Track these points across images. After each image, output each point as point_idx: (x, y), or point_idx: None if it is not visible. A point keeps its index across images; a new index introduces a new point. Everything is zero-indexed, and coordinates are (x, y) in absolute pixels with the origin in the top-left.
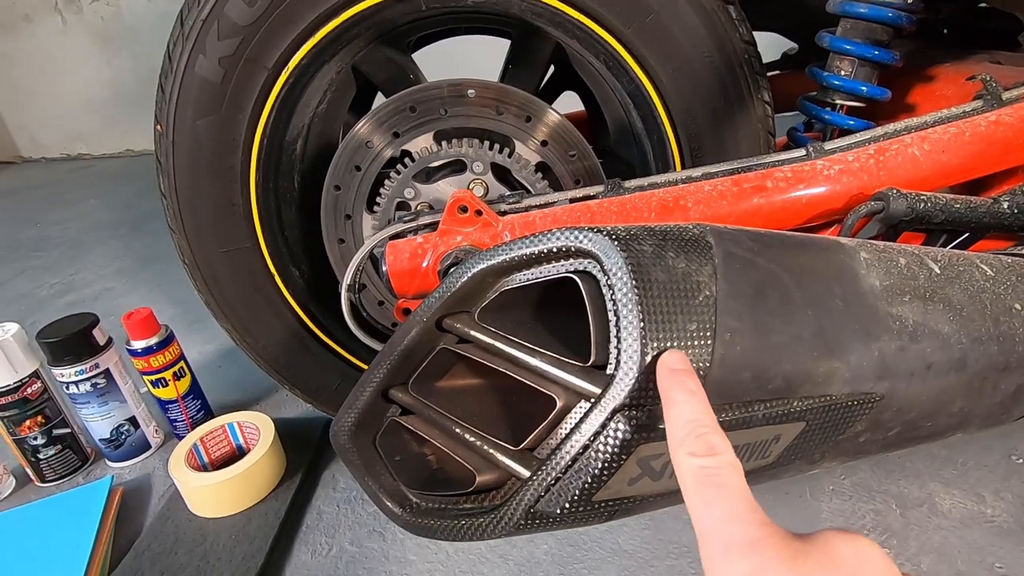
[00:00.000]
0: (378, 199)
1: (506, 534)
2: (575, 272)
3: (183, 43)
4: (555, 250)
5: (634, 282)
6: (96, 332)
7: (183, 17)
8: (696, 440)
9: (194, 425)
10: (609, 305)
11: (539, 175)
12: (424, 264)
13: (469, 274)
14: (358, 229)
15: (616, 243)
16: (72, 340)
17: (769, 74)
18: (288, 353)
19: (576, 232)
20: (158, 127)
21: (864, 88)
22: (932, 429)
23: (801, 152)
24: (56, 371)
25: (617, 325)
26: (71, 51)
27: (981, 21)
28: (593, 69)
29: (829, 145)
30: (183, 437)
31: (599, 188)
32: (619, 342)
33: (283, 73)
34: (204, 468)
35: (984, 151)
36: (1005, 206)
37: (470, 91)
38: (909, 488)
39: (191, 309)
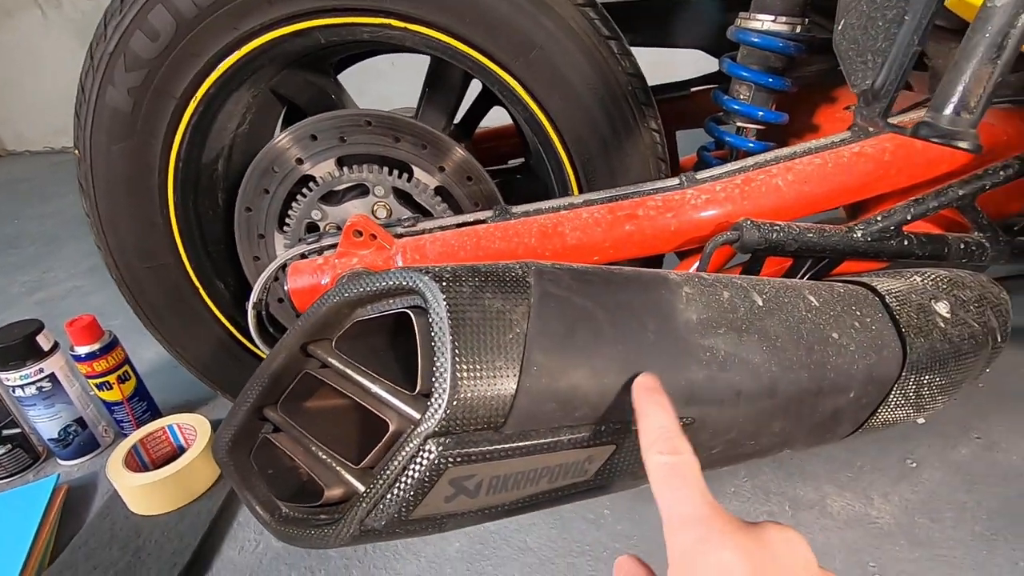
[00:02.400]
0: (288, 220)
1: (344, 544)
2: (411, 308)
3: (93, 74)
4: (394, 287)
5: (450, 320)
6: (40, 338)
7: (92, 50)
8: (665, 442)
9: (140, 425)
10: (433, 340)
11: (439, 198)
12: (324, 283)
13: (326, 305)
14: (271, 247)
15: (439, 284)
16: (16, 346)
17: (693, 90)
18: (217, 361)
19: (410, 273)
20: (76, 152)
21: (761, 113)
22: (756, 447)
23: (675, 181)
24: (2, 375)
25: (436, 359)
26: (53, 45)
27: None
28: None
29: (701, 175)
30: None
31: (488, 213)
32: (436, 374)
33: (192, 101)
34: (145, 468)
35: (845, 182)
36: (859, 235)
37: (367, 120)
38: (805, 491)
39: None
